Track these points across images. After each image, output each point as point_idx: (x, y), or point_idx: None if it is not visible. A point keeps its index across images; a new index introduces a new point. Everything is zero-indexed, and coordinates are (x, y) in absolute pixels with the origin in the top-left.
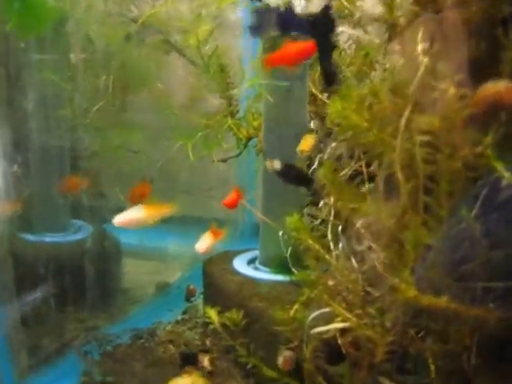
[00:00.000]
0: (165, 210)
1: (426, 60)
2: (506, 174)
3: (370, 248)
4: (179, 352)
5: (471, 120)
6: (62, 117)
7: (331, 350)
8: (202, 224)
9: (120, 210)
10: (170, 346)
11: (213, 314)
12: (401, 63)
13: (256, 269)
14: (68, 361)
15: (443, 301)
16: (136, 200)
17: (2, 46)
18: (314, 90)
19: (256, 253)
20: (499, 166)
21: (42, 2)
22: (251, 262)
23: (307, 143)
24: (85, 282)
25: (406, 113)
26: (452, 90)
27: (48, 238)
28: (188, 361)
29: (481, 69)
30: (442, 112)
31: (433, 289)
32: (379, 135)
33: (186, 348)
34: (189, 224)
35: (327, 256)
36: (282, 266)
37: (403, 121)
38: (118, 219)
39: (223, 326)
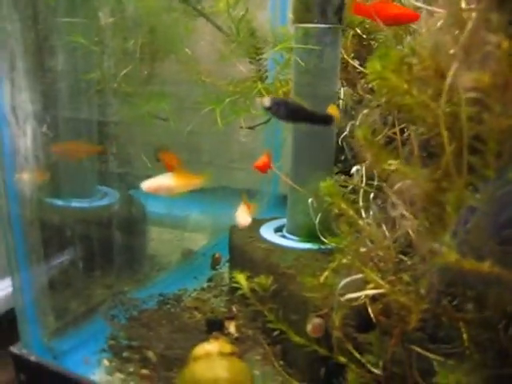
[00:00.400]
0: (195, 181)
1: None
2: None
3: (403, 215)
4: (205, 318)
5: None
6: (90, 81)
7: (361, 318)
8: (226, 194)
9: (147, 177)
10: (196, 313)
11: (242, 278)
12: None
13: (283, 237)
14: (95, 324)
15: (486, 265)
16: (169, 167)
17: (31, 9)
18: (345, 57)
19: (283, 221)
20: None
21: None
22: (278, 230)
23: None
24: (111, 247)
25: (452, 70)
26: (505, 44)
27: (75, 203)
28: (214, 327)
29: None
30: (493, 67)
31: (475, 253)
32: (420, 97)
33: (212, 314)
34: (213, 194)
35: (360, 222)
36: (310, 235)
37: (449, 79)
38: (147, 185)
39: (252, 291)
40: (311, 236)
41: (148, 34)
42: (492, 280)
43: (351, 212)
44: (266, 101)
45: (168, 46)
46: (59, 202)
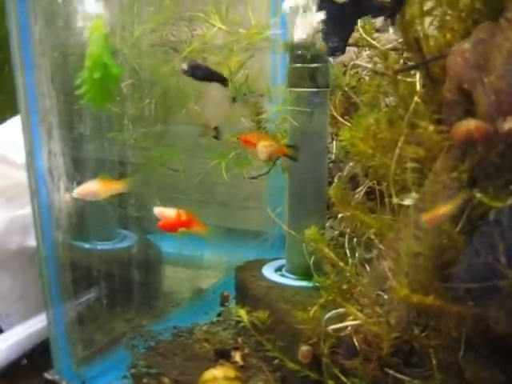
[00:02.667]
0: (118, 186)
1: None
2: (478, 195)
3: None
4: (214, 348)
5: (451, 150)
6: (112, 137)
7: (347, 346)
8: (236, 235)
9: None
10: (206, 344)
11: (242, 313)
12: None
13: (283, 276)
14: (117, 354)
15: (429, 299)
16: None
17: (64, 84)
18: (335, 114)
19: (283, 261)
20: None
21: (118, 72)
22: (279, 269)
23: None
24: (131, 285)
25: (400, 144)
26: (431, 127)
27: (99, 246)
28: (222, 356)
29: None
30: (425, 144)
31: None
32: (382, 160)
33: (220, 345)
34: (223, 234)
35: (341, 263)
36: (306, 274)
37: (397, 150)
38: (77, 191)
39: (252, 324)
40: (307, 275)
41: (161, 95)
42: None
43: (332, 255)
44: (184, 65)
45: (179, 105)
46: (86, 245)
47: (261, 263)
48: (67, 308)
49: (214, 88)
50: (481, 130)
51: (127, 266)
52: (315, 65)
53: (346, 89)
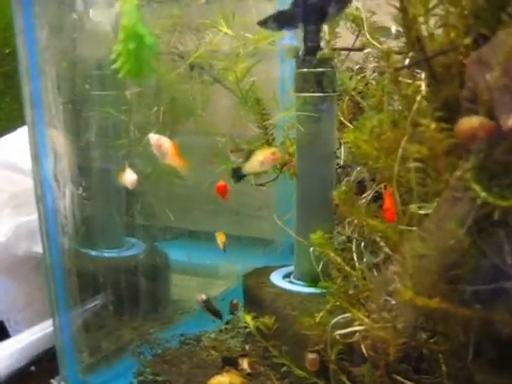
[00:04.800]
0: None
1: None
2: (482, 194)
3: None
4: (221, 356)
5: (455, 148)
6: (119, 145)
7: (355, 353)
8: (247, 242)
9: (168, 229)
10: (213, 351)
11: (248, 318)
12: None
13: (291, 282)
14: (124, 361)
15: (434, 302)
16: None
17: (70, 84)
18: (342, 119)
19: (292, 268)
20: (476, 188)
21: (153, 42)
22: (287, 276)
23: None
24: (138, 292)
25: (403, 143)
26: (433, 125)
27: (106, 253)
28: (229, 364)
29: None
30: (428, 142)
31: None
32: (387, 162)
33: (228, 353)
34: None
35: (347, 268)
36: (314, 280)
37: (400, 150)
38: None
39: (259, 331)
40: (315, 281)
41: (168, 102)
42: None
43: (339, 260)
44: None
45: (187, 112)
46: (93, 253)
47: (269, 270)
48: (73, 315)
49: (221, 94)
50: (485, 126)
51: (134, 274)
52: (321, 69)
53: (353, 93)
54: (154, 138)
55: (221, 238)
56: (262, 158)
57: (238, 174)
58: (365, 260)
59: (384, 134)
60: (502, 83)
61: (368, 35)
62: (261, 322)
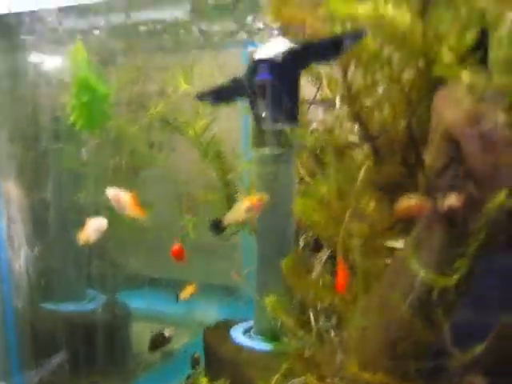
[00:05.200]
0: None
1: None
2: (422, 273)
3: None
4: None
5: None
6: (76, 200)
7: None
8: (207, 291)
9: (131, 278)
10: None
11: (204, 380)
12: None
13: (251, 338)
14: None
15: (379, 376)
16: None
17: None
18: (301, 172)
19: (252, 322)
20: (416, 265)
21: (106, 92)
22: (247, 331)
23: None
24: (97, 348)
25: (346, 219)
26: (372, 205)
27: (64, 307)
28: None
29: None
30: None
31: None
32: (334, 231)
33: None
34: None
35: (301, 332)
36: (273, 336)
37: (343, 225)
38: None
39: None
40: (274, 337)
41: (129, 153)
42: None
43: (292, 323)
44: None
45: (148, 161)
46: (50, 306)
47: (229, 324)
48: (29, 376)
49: (184, 143)
50: (420, 207)
51: (93, 329)
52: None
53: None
54: (110, 192)
55: (189, 291)
56: (248, 204)
57: (217, 227)
58: (315, 324)
59: (330, 205)
60: (437, 166)
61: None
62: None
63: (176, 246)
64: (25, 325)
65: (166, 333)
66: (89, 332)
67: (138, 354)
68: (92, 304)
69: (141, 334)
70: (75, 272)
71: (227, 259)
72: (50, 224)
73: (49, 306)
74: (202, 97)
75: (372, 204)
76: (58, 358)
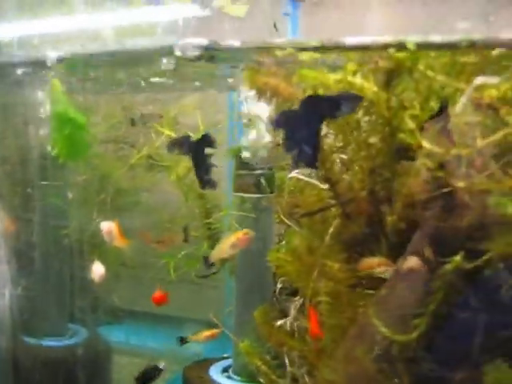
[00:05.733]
0: None
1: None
2: (383, 330)
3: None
4: None
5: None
6: (62, 235)
7: None
8: (187, 325)
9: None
10: None
11: None
12: None
13: (229, 377)
14: None
15: None
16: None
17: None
18: (282, 217)
19: (231, 361)
20: (377, 323)
21: (84, 121)
22: (226, 370)
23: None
24: (78, 382)
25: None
26: (336, 266)
27: (45, 342)
28: None
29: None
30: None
31: None
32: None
33: None
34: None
35: (274, 377)
36: (251, 376)
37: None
38: None
39: None
40: (252, 377)
41: (115, 190)
42: None
43: (265, 369)
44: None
45: (132, 199)
46: (32, 341)
47: (209, 362)
48: None
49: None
50: (381, 266)
51: (74, 364)
52: (260, 171)
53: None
54: (105, 225)
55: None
56: (233, 240)
57: (208, 263)
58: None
59: (300, 259)
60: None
61: None
62: None
63: (158, 294)
64: (6, 360)
65: (160, 365)
66: (70, 367)
67: None
68: (73, 339)
69: (121, 368)
70: (57, 307)
71: (210, 296)
72: (34, 261)
73: (31, 341)
74: (170, 147)
75: (339, 261)
76: None
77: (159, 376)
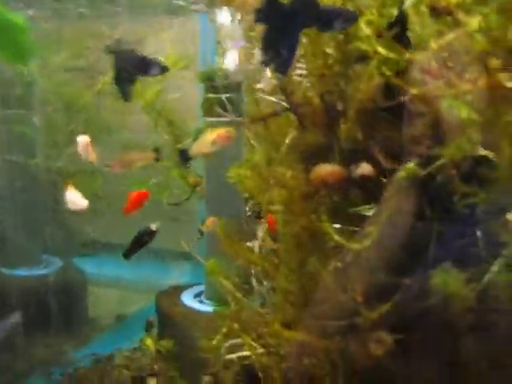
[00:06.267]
0: None
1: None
2: (336, 237)
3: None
4: (130, 375)
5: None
6: (32, 164)
7: (249, 374)
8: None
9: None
10: (125, 370)
11: (149, 341)
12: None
13: (201, 302)
14: (35, 382)
15: (299, 334)
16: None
17: None
18: (251, 141)
19: (203, 287)
20: (330, 230)
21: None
22: (198, 295)
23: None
24: (52, 312)
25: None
26: (289, 173)
27: (19, 272)
28: (138, 383)
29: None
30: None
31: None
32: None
33: (138, 372)
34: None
35: (238, 294)
36: (222, 300)
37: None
38: None
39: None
40: (223, 301)
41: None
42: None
43: (229, 286)
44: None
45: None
46: (4, 271)
47: (181, 288)
48: None
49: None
50: (334, 174)
51: (48, 293)
52: (228, 95)
53: None
54: (80, 138)
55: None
56: (214, 136)
57: (184, 157)
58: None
59: (260, 173)
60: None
61: None
62: (160, 344)
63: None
64: None
65: (153, 227)
66: (44, 296)
67: (93, 318)
68: (47, 269)
69: (96, 298)
70: (30, 237)
71: (183, 224)
72: (4, 189)
73: (4, 270)
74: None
75: (292, 171)
76: (12, 320)
77: (153, 238)
